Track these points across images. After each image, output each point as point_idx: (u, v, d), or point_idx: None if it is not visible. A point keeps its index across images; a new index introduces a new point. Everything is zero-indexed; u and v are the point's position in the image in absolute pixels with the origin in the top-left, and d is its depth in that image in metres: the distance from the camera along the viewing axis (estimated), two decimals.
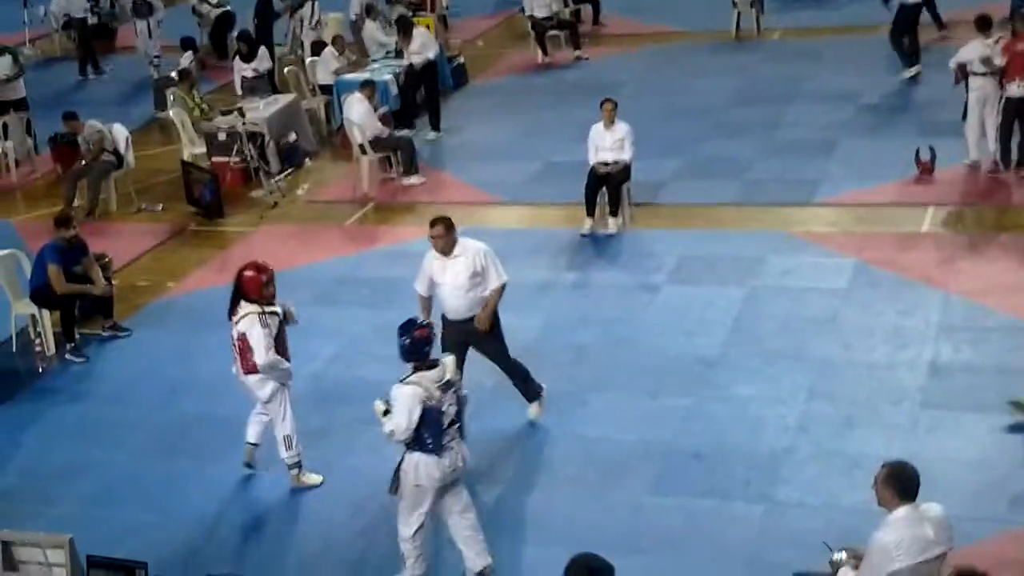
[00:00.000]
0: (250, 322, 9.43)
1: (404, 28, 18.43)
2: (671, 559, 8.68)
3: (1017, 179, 14.39)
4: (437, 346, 8.53)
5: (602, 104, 14.24)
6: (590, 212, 14.11)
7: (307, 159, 17.55)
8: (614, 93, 14.88)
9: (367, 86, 16.40)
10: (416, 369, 8.10)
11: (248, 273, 9.59)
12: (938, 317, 11.59)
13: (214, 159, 16.72)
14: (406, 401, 7.97)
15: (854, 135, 16.47)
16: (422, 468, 8.13)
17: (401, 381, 8.07)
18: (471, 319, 9.93)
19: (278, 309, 9.66)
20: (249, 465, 10.04)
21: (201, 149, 17.12)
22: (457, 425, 8.24)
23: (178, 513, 9.69)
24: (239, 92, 18.25)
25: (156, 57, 22.08)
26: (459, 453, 8.27)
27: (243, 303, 9.53)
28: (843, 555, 7.28)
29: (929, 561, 6.90)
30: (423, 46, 18.17)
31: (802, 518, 8.93)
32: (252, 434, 9.98)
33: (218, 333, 11.94)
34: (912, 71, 18.45)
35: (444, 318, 9.96)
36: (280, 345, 9.61)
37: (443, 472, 8.16)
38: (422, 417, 7.99)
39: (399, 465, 8.24)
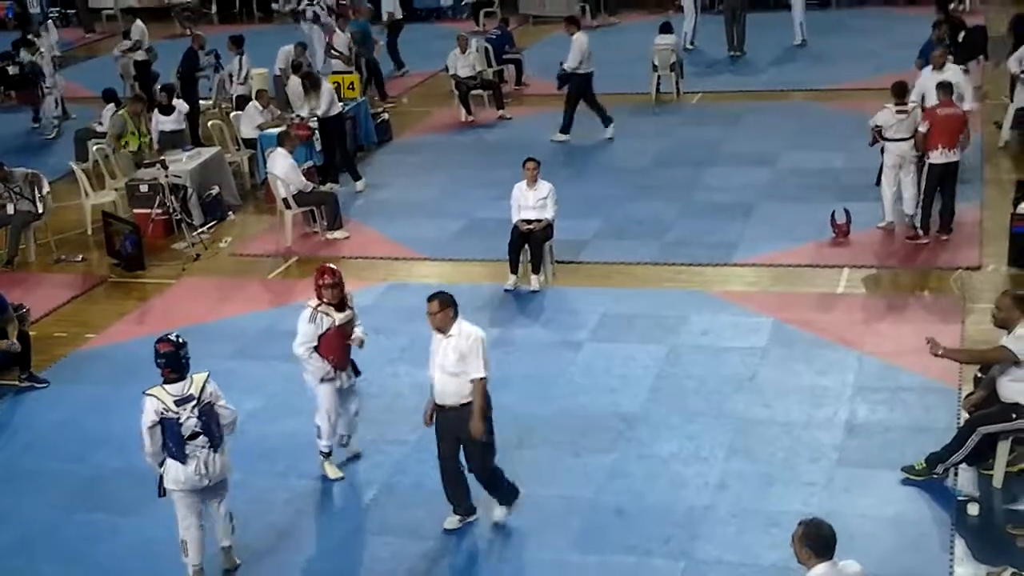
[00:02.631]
0: (303, 314, 10.27)
1: (312, 84, 18.47)
2: None
3: (935, 242, 14.70)
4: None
5: (525, 163, 14.38)
6: (513, 269, 14.24)
7: (230, 212, 17.52)
8: (536, 153, 15.03)
9: (285, 138, 16.42)
10: (164, 381, 8.95)
11: (316, 276, 10.34)
12: (854, 377, 11.80)
13: (135, 210, 16.62)
14: (143, 410, 8.91)
15: (771, 198, 16.75)
16: (173, 472, 8.98)
17: (144, 392, 8.98)
18: (457, 408, 9.37)
19: (338, 314, 10.22)
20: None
21: (110, 197, 17.03)
22: (202, 437, 8.91)
23: (95, 567, 9.58)
24: (156, 145, 18.14)
25: (56, 118, 22.26)
26: (208, 463, 8.97)
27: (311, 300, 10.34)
28: None
29: None
30: (328, 103, 18.18)
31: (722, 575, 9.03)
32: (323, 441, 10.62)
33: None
34: (562, 137, 19.71)
35: (435, 404, 9.55)
36: (329, 345, 10.20)
37: (187, 477, 8.93)
38: (163, 426, 8.85)
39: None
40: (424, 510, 10.02)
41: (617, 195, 17.22)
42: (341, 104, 18.71)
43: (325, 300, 10.24)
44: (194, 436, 8.88)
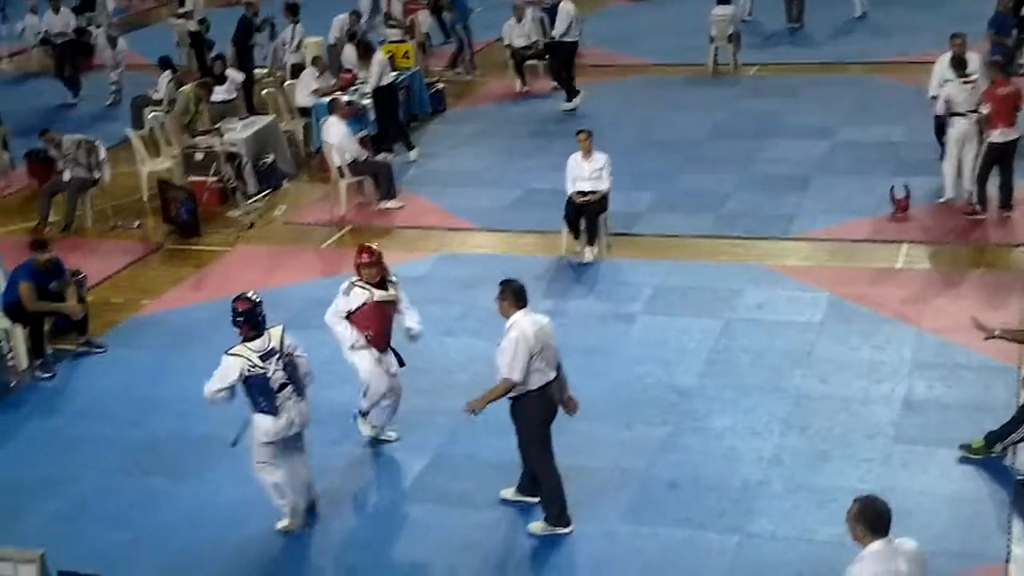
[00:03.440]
0: (342, 286, 10.30)
1: (365, 52, 18.47)
2: None
3: (997, 218, 14.50)
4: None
5: (577, 134, 14.31)
6: (576, 236, 14.21)
7: (284, 181, 17.54)
8: (591, 124, 14.96)
9: (337, 105, 16.41)
10: (244, 339, 9.13)
11: (357, 254, 10.35)
12: (911, 353, 11.66)
13: (191, 178, 16.69)
14: (222, 369, 9.07)
15: (829, 171, 16.57)
16: (263, 426, 9.18)
17: (226, 352, 9.13)
18: (511, 400, 9.26)
19: (375, 292, 10.19)
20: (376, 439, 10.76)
21: (165, 164, 17.10)
22: (290, 387, 9.18)
23: (150, 532, 9.65)
24: (207, 115, 18.14)
25: (115, 83, 22.31)
26: (296, 412, 9.25)
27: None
28: None
29: None
30: (379, 73, 18.16)
31: (775, 551, 8.96)
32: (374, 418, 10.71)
33: (193, 351, 12.00)
34: (573, 103, 19.91)
35: None
36: (365, 319, 10.19)
37: (279, 428, 9.17)
38: (250, 383, 9.06)
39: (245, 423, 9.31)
40: (475, 481, 10.02)
41: (673, 167, 17.10)
42: (394, 74, 18.68)
43: (364, 278, 10.21)
44: (282, 387, 9.15)
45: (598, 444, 10.47)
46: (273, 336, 9.20)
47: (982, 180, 14.48)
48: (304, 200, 17.06)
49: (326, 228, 15.87)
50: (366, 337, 10.26)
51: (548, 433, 9.38)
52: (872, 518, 6.94)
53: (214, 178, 16.49)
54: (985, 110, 14.22)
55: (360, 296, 10.17)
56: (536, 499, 9.52)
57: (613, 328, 12.62)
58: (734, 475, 9.93)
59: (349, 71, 18.45)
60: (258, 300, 9.25)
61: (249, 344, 9.10)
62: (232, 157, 16.55)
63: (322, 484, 10.16)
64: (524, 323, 9.06)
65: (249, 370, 9.02)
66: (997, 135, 14.24)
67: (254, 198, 16.51)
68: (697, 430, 10.63)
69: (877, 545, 6.91)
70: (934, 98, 15.32)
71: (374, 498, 10.10)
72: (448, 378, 11.76)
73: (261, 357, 9.05)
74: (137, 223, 16.27)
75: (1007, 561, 8.65)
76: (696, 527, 9.29)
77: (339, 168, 16.15)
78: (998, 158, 14.35)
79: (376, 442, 10.69)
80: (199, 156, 16.75)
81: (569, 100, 20.04)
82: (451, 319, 12.94)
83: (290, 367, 9.23)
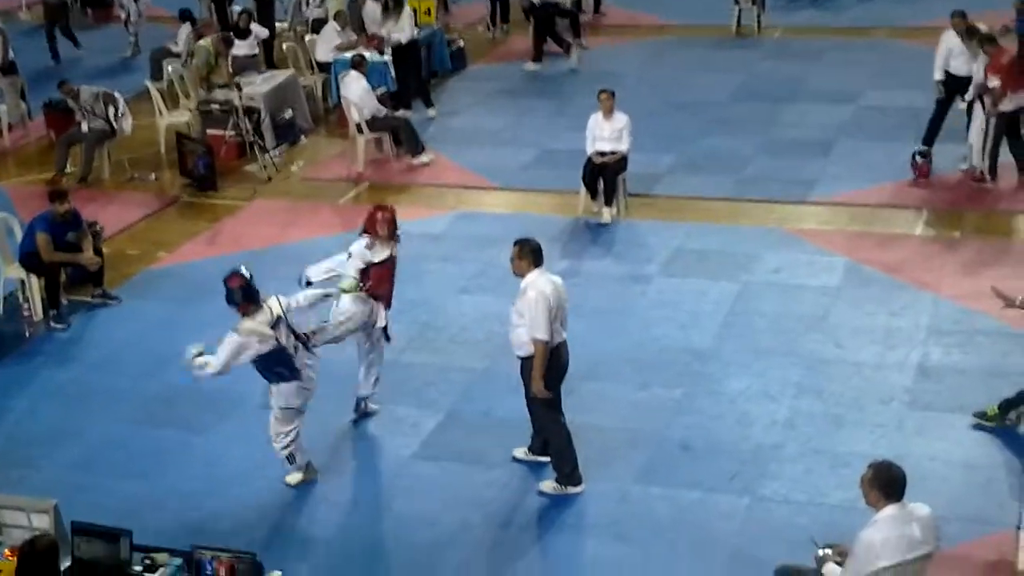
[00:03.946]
0: (359, 241, 10.15)
1: (396, 5, 18.40)
2: (656, 548, 8.67)
3: (1019, 185, 14.39)
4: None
5: (599, 94, 14.23)
6: (594, 197, 14.14)
7: (302, 136, 17.50)
8: (613, 84, 14.83)
9: (358, 64, 16.34)
10: (244, 315, 8.92)
11: (374, 211, 10.20)
12: (928, 319, 11.60)
13: (209, 131, 16.65)
14: (234, 346, 8.89)
15: (851, 136, 16.47)
16: (288, 393, 9.18)
17: (234, 329, 8.92)
18: (520, 359, 9.20)
19: (394, 246, 10.15)
20: (365, 414, 10.53)
21: (184, 117, 17.07)
22: (300, 347, 9.18)
23: (162, 483, 9.66)
24: (230, 70, 18.08)
25: (134, 35, 22.22)
26: (315, 371, 9.30)
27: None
28: (828, 551, 7.29)
29: (914, 561, 6.92)
30: (411, 27, 18.10)
31: (787, 514, 8.93)
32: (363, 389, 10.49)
33: (208, 304, 11.94)
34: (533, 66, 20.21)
35: None
36: (381, 277, 10.07)
37: (300, 391, 9.24)
38: (270, 356, 8.95)
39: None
40: (490, 438, 10.00)
41: (693, 129, 17.01)
42: (416, 29, 18.59)
43: (379, 233, 10.09)
44: (296, 350, 9.14)
45: (612, 404, 10.45)
46: (273, 306, 9.06)
47: (994, 148, 14.37)
48: (322, 156, 17.02)
49: (343, 184, 15.82)
50: (380, 297, 10.12)
51: (559, 392, 9.36)
52: (886, 483, 6.93)
53: (232, 132, 16.45)
54: (994, 83, 14.09)
55: (384, 251, 10.06)
56: (548, 459, 9.51)
57: (629, 289, 12.58)
58: (747, 438, 9.89)
59: (374, 37, 18.28)
60: (250, 274, 9.03)
61: (255, 318, 8.95)
62: (250, 111, 16.49)
63: (334, 440, 10.18)
64: (541, 283, 9.01)
65: (261, 342, 8.91)
66: (1008, 103, 14.13)
67: (272, 153, 16.46)
68: (711, 392, 10.59)
69: (891, 510, 6.90)
70: (941, 82, 15.11)
71: (386, 454, 10.07)
72: (463, 335, 11.75)
73: (271, 326, 8.97)
74: (154, 176, 16.26)
75: (1019, 528, 8.57)
76: (708, 489, 9.27)
77: (357, 124, 16.09)
78: (1008, 125, 14.23)
79: (364, 416, 10.50)
80: (217, 109, 16.68)
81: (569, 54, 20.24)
82: (467, 277, 12.92)
83: (294, 327, 9.19)
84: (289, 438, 9.38)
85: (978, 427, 9.78)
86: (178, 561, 7.72)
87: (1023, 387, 9.72)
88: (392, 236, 10.13)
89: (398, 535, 9.02)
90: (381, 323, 10.20)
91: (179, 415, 10.64)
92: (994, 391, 10.02)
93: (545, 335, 8.89)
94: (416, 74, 18.38)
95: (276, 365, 9.08)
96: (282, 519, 9.23)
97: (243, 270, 9.04)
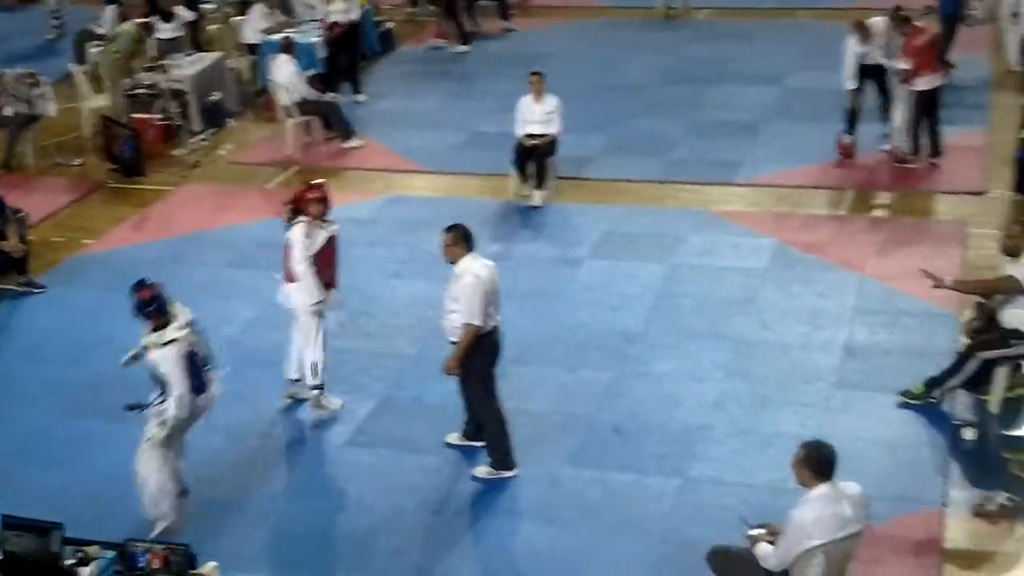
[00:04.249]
0: (295, 229, 9.90)
1: None
2: (587, 530, 8.75)
3: (930, 167, 14.62)
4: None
5: (529, 77, 14.25)
6: (524, 180, 14.17)
7: (230, 119, 17.36)
8: (541, 66, 14.87)
9: (286, 47, 16.23)
10: (158, 327, 8.48)
11: (305, 191, 10.05)
12: (854, 299, 11.76)
13: (135, 115, 16.45)
14: (172, 359, 8.42)
15: (778, 117, 16.63)
16: (181, 406, 8.52)
17: (163, 345, 8.43)
18: (454, 344, 9.16)
19: (331, 228, 10.01)
20: (293, 398, 10.38)
21: (105, 102, 16.85)
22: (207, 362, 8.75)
23: (91, 473, 9.57)
24: (152, 53, 17.83)
25: (57, 16, 21.86)
26: (214, 384, 8.79)
27: (299, 217, 9.97)
28: (760, 531, 7.39)
29: (845, 539, 7.05)
30: (354, 7, 18.01)
31: (717, 495, 9.04)
32: (290, 370, 10.27)
33: None
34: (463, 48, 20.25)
35: None
36: (326, 260, 9.98)
37: (201, 403, 8.70)
38: (190, 363, 8.50)
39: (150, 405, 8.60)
40: (423, 424, 10.03)
41: (622, 111, 17.08)
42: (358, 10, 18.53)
43: (313, 215, 9.96)
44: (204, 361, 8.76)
45: (542, 388, 10.51)
46: (181, 314, 8.60)
47: (914, 129, 14.56)
48: (250, 139, 16.90)
49: (272, 168, 15.72)
50: (325, 279, 10.05)
51: (493, 376, 9.40)
52: (818, 463, 7.05)
53: (159, 115, 16.28)
54: (907, 64, 14.29)
55: (321, 234, 9.95)
56: (481, 444, 9.54)
57: (560, 272, 12.64)
58: (676, 420, 9.99)
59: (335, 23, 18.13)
60: (159, 284, 8.63)
61: (172, 327, 8.49)
62: (177, 94, 16.33)
63: (268, 427, 10.16)
64: (476, 267, 9.04)
65: (190, 348, 8.52)
66: (922, 83, 14.32)
67: (199, 136, 16.32)
68: (641, 375, 10.68)
69: (822, 489, 7.03)
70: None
71: (319, 442, 10.06)
72: (394, 320, 11.75)
73: (191, 333, 8.57)
74: (79, 161, 16.06)
75: (944, 505, 8.78)
76: (639, 471, 9.35)
77: (286, 108, 15.99)
78: (925, 105, 14.45)
79: (298, 402, 10.42)
80: (143, 93, 16.50)
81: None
82: (397, 261, 12.91)
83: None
84: (161, 470, 8.66)
85: (904, 406, 9.95)
86: (110, 554, 7.66)
87: (947, 366, 9.89)
88: (324, 215, 10.00)
89: (333, 522, 9.02)
90: (333, 303, 10.22)
91: (105, 404, 10.45)
92: (919, 370, 10.18)
93: (479, 320, 8.92)
94: (355, 57, 18.26)
95: (188, 369, 8.55)
96: (214, 508, 9.18)
97: (148, 279, 8.65)
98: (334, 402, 10.33)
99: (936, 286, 9.87)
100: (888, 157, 14.85)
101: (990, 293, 9.89)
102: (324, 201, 10.00)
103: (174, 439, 8.73)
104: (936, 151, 14.70)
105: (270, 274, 10.40)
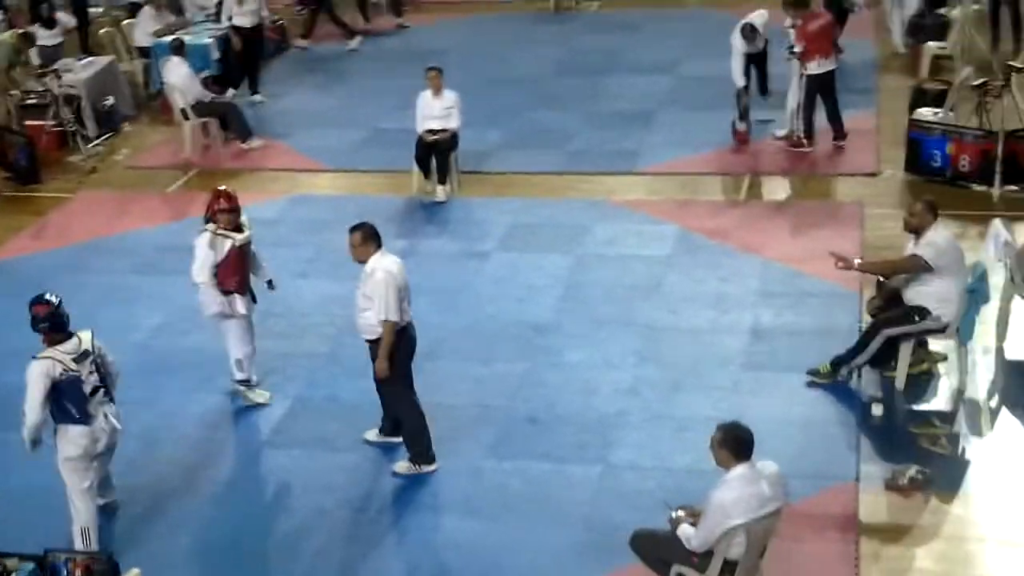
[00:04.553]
0: (200, 238, 9.83)
1: None
2: (511, 521, 8.84)
3: (834, 150, 14.90)
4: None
5: (427, 72, 14.27)
6: (427, 175, 14.20)
7: (125, 123, 17.12)
8: (436, 61, 14.88)
9: (178, 48, 16.06)
10: (50, 343, 8.26)
11: (210, 198, 10.01)
12: (757, 283, 11.98)
13: (28, 122, 16.14)
14: (32, 377, 8.18)
15: (673, 106, 16.83)
16: (70, 438, 8.33)
17: (34, 357, 8.24)
18: (369, 342, 9.25)
19: (236, 236, 9.88)
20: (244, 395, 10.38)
21: None
22: (101, 392, 8.40)
23: (4, 485, 9.42)
24: (36, 61, 17.47)
25: None
26: (107, 416, 8.44)
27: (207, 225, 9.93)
28: (681, 513, 7.53)
29: (765, 517, 7.22)
30: (256, 9, 17.84)
31: (636, 480, 9.18)
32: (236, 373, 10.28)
33: None
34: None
35: None
36: (230, 268, 9.86)
37: (91, 438, 8.35)
38: (62, 388, 8.18)
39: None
40: (339, 423, 10.03)
41: (518, 104, 17.16)
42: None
43: (221, 225, 9.89)
44: (95, 391, 8.38)
45: (457, 382, 10.56)
46: (84, 338, 8.36)
47: (807, 113, 14.85)
48: (147, 143, 16.70)
49: (172, 171, 15.56)
50: (232, 286, 9.98)
51: (410, 371, 9.44)
52: (736, 443, 7.21)
53: (52, 122, 16.02)
54: (799, 48, 14.58)
55: (226, 244, 9.86)
56: (399, 440, 9.57)
57: (467, 266, 12.70)
58: (592, 408, 10.12)
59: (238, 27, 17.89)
60: (59, 300, 8.33)
61: (60, 348, 8.25)
62: (70, 99, 16.07)
63: (182, 432, 10.08)
64: (386, 263, 9.08)
65: (61, 374, 8.16)
66: (814, 66, 14.62)
67: (95, 142, 16.09)
68: (554, 365, 10.78)
69: (741, 469, 7.18)
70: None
71: (235, 445, 10.02)
72: (303, 320, 11.72)
73: (75, 360, 8.23)
74: None
75: (856, 480, 9.00)
76: (558, 460, 9.46)
77: (182, 110, 15.82)
78: (818, 89, 14.73)
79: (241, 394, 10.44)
80: (35, 99, 16.21)
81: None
82: (303, 261, 12.87)
83: (102, 369, 8.46)
84: (80, 501, 8.44)
85: (812, 384, 10.18)
86: (30, 566, 7.59)
87: (851, 344, 10.13)
88: (233, 225, 9.92)
89: (253, 525, 9.00)
90: (241, 311, 10.09)
91: (13, 415, 10.31)
92: (825, 349, 10.41)
93: (396, 316, 8.97)
94: (257, 57, 18.06)
95: (68, 400, 8.26)
96: (134, 515, 9.11)
97: (49, 296, 8.37)
98: (260, 396, 10.36)
99: (844, 268, 10.10)
100: (784, 143, 15.10)
101: (896, 273, 10.13)
102: (233, 211, 9.94)
103: (83, 472, 8.46)
104: (840, 134, 14.98)
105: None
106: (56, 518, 8.84)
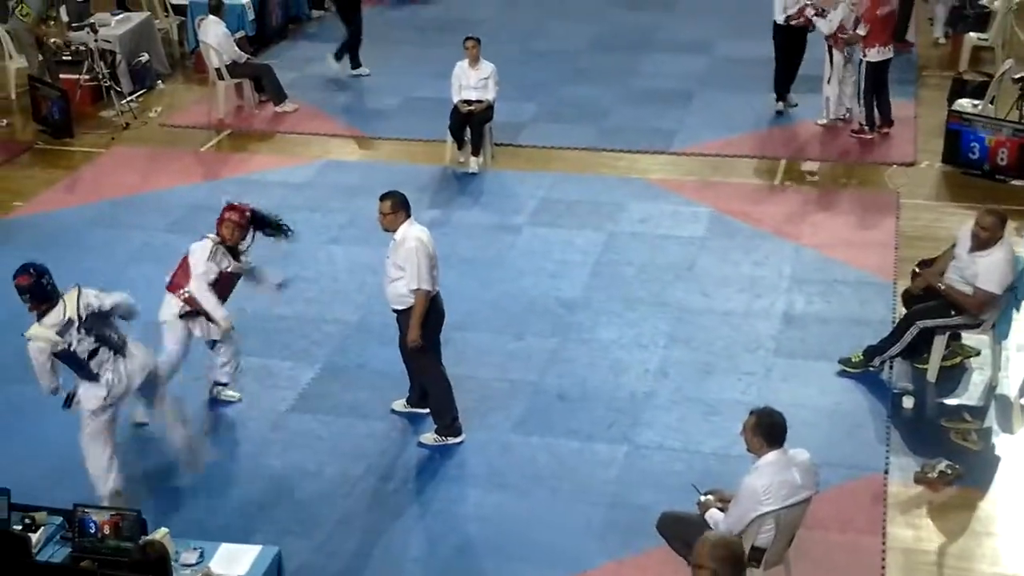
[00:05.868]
0: (203, 245, 9.38)
1: None
2: (536, 496, 8.81)
3: (879, 137, 14.76)
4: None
5: (465, 42, 14.19)
6: (461, 146, 14.13)
7: (159, 81, 17.08)
8: (472, 32, 14.80)
9: (216, 8, 15.99)
10: (39, 316, 8.20)
11: (224, 211, 9.51)
12: (791, 268, 11.90)
13: (63, 76, 16.12)
14: (33, 358, 8.25)
15: (710, 86, 16.71)
16: (89, 393, 8.41)
17: (26, 337, 8.24)
18: (399, 312, 9.17)
19: (238, 265, 9.53)
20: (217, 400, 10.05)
21: (22, 64, 16.44)
22: (102, 350, 8.30)
23: (30, 440, 9.45)
24: (65, 18, 17.39)
25: None
26: (118, 373, 8.39)
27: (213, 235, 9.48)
28: (710, 497, 7.49)
29: (795, 505, 7.17)
30: None
31: (663, 461, 9.14)
32: (220, 376, 9.95)
33: (67, 255, 11.68)
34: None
35: None
36: (220, 288, 9.44)
37: (104, 394, 8.37)
38: (61, 358, 8.23)
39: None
40: (368, 391, 10.02)
41: (554, 78, 17.06)
42: None
43: (226, 239, 9.41)
44: (93, 354, 8.29)
45: (487, 354, 10.53)
46: (68, 304, 8.16)
47: (868, 100, 14.70)
48: (180, 101, 16.66)
49: (204, 131, 15.53)
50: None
51: (438, 342, 9.40)
52: (769, 429, 7.15)
53: (87, 76, 15.99)
54: (863, 31, 14.41)
55: (223, 262, 9.42)
56: (426, 411, 9.54)
57: (499, 239, 12.64)
58: (621, 387, 10.07)
59: None
60: (42, 270, 8.20)
61: (44, 321, 8.13)
62: (106, 54, 16.04)
63: (210, 396, 10.07)
64: (416, 232, 9.01)
65: (53, 349, 8.16)
66: (874, 54, 14.46)
67: (128, 98, 16.06)
68: (584, 342, 10.74)
69: (773, 455, 7.13)
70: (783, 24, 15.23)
71: (262, 409, 9.97)
72: (334, 286, 11.70)
73: (59, 332, 8.11)
74: (5, 122, 15.74)
75: (885, 472, 8.95)
76: (585, 438, 9.43)
77: (217, 70, 15.78)
78: (878, 76, 14.59)
79: (226, 393, 10.13)
80: (71, 53, 16.19)
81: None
82: (336, 227, 12.84)
83: (96, 327, 8.26)
84: (101, 449, 8.50)
85: (843, 374, 10.11)
86: (58, 519, 7.61)
87: (884, 334, 10.06)
88: (237, 242, 9.51)
89: (279, 490, 8.98)
90: (197, 333, 9.63)
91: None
92: (856, 338, 10.37)
93: (428, 285, 8.92)
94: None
95: (70, 366, 8.33)
96: (161, 475, 9.13)
97: (31, 267, 8.24)
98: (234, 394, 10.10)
99: (926, 288, 9.94)
100: (843, 128, 14.93)
101: (973, 310, 9.72)
102: (241, 227, 9.47)
103: (106, 423, 8.53)
104: (888, 121, 14.83)
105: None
106: (81, 474, 8.86)
